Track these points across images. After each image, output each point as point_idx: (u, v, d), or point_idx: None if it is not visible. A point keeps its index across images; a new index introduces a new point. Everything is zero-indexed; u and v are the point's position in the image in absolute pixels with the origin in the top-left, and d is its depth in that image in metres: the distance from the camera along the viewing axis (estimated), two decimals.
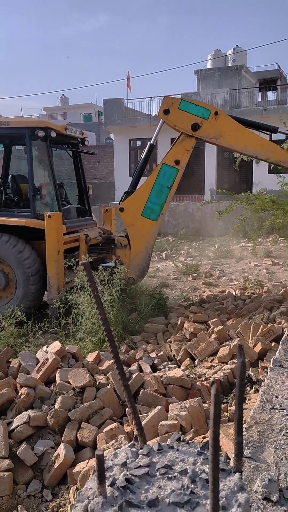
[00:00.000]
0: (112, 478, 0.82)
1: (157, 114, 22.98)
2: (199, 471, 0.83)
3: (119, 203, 6.54)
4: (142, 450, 0.91)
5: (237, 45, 26.26)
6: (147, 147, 6.58)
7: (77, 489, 2.83)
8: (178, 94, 21.48)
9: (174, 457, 0.88)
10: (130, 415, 1.06)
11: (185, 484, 0.80)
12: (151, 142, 6.45)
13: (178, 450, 0.91)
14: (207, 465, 0.85)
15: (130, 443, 0.96)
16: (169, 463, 0.86)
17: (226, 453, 2.00)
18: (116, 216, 9.94)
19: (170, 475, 0.83)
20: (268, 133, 6.23)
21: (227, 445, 2.10)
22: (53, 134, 6.64)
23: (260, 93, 27.70)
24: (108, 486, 0.79)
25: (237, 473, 0.81)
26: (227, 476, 0.82)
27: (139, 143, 23.63)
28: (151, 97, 22.93)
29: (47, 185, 7.05)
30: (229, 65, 24.99)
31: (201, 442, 2.37)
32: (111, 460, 0.88)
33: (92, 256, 6.81)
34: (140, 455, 0.89)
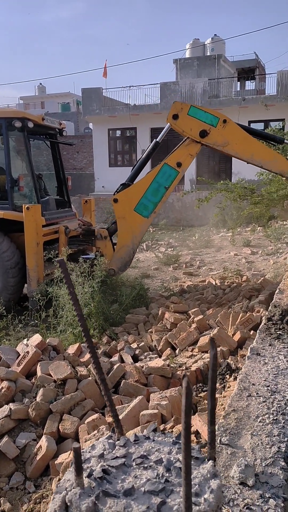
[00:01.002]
0: (89, 470, 0.84)
1: (135, 103, 22.62)
2: (174, 460, 0.86)
3: (114, 194, 6.49)
4: (119, 442, 0.93)
5: (215, 34, 26.20)
6: (152, 144, 6.52)
7: (59, 480, 2.86)
8: (157, 84, 21.40)
9: (150, 447, 0.91)
10: (107, 407, 1.09)
11: (160, 473, 0.83)
12: (157, 140, 6.40)
13: (154, 440, 0.93)
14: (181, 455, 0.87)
15: (108, 434, 0.98)
16: (145, 453, 0.88)
17: (206, 440, 2.05)
18: (96, 207, 9.90)
19: (145, 465, 0.85)
20: (274, 143, 6.29)
21: (205, 432, 2.15)
22: (31, 125, 6.55)
23: (239, 82, 27.76)
24: (85, 477, 0.81)
25: (210, 461, 0.85)
26: (200, 464, 0.85)
27: (118, 132, 23.46)
28: (130, 87, 22.71)
29: (25, 176, 6.96)
30: (208, 54, 24.93)
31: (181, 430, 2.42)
32: (89, 452, 0.91)
33: (72, 248, 6.78)
34: (117, 446, 0.92)
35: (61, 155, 8.28)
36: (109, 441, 0.93)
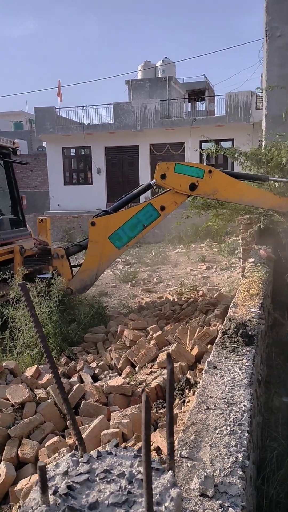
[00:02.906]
0: (54, 487, 0.86)
1: (89, 123, 22.78)
2: (136, 473, 0.90)
3: (93, 217, 6.51)
4: (82, 458, 0.96)
5: (165, 57, 27.01)
6: (145, 184, 6.61)
7: (19, 507, 2.78)
8: (110, 104, 21.70)
9: (113, 462, 0.94)
10: (70, 426, 1.11)
11: (122, 485, 0.86)
12: (151, 183, 6.49)
13: (116, 455, 0.97)
14: None
15: (71, 452, 1.00)
16: (108, 468, 0.92)
17: (159, 459, 2.08)
18: (51, 226, 9.82)
19: (109, 479, 0.89)
20: (260, 182, 6.53)
21: (165, 448, 2.18)
22: None
23: (190, 103, 28.67)
24: (50, 494, 0.84)
25: (170, 471, 0.89)
26: (161, 475, 0.89)
27: (73, 151, 23.51)
28: (83, 106, 22.90)
29: None
30: (159, 76, 25.65)
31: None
32: (53, 470, 0.93)
33: (28, 268, 6.68)
34: (80, 463, 0.94)
35: (15, 174, 8.19)
36: (72, 458, 0.96)
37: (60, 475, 0.90)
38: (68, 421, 1.02)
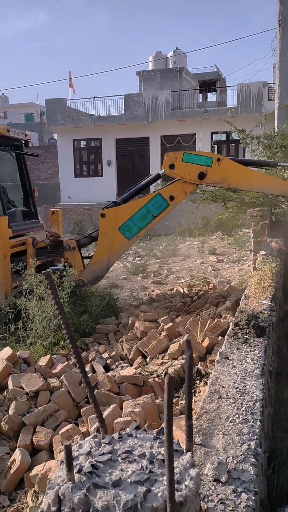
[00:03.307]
0: (78, 466, 0.90)
1: (100, 114, 22.70)
2: (156, 453, 0.93)
3: (103, 209, 6.54)
4: (104, 440, 1.00)
5: (177, 48, 26.79)
6: (154, 175, 6.62)
7: (35, 492, 2.86)
8: (121, 95, 21.62)
9: (133, 443, 0.98)
10: (93, 409, 1.15)
11: (144, 465, 0.90)
12: (159, 173, 6.50)
13: (136, 437, 1.01)
14: (163, 448, 0.95)
15: (93, 434, 1.04)
16: (129, 449, 0.96)
17: (178, 441, 2.12)
18: (63, 218, 9.88)
19: (130, 459, 0.93)
20: (269, 168, 6.50)
21: (180, 436, 2.23)
22: None
23: (201, 94, 28.45)
24: (75, 473, 0.88)
25: (188, 453, 0.93)
26: (180, 456, 0.93)
27: (83, 143, 23.51)
28: (94, 98, 22.84)
29: None
30: (170, 67, 25.46)
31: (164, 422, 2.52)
32: (77, 450, 0.97)
33: (40, 259, 6.76)
34: (102, 444, 0.98)
35: (27, 166, 8.25)
36: (95, 440, 1.00)
37: (83, 455, 0.94)
38: (91, 404, 1.06)
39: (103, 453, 0.94)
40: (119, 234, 6.38)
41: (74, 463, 0.91)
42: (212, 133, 20.32)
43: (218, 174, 6.02)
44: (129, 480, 0.85)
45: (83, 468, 0.89)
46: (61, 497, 0.84)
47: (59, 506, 0.83)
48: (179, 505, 0.80)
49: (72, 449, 0.95)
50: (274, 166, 6.46)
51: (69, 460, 0.84)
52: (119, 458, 0.92)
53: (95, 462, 0.90)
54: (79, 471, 0.88)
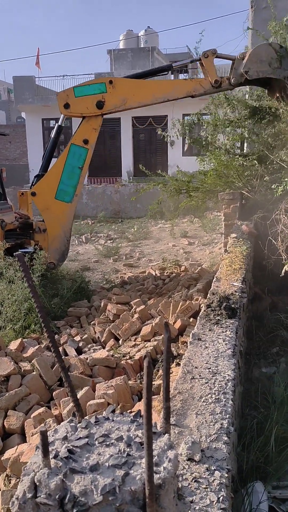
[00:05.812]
0: (54, 451, 0.88)
1: None
2: (133, 436, 0.93)
3: (30, 187, 6.36)
4: (80, 424, 0.98)
5: (148, 27, 26.31)
6: (55, 129, 6.42)
7: (7, 475, 2.84)
8: (91, 74, 21.13)
9: (110, 427, 0.97)
10: (68, 393, 1.13)
11: (121, 448, 0.89)
12: (59, 124, 6.30)
13: (113, 420, 1.00)
14: (140, 431, 0.94)
15: (69, 419, 1.02)
16: (106, 432, 0.94)
17: (155, 423, 2.14)
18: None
19: (107, 443, 0.91)
20: (166, 73, 6.32)
21: (155, 417, 2.24)
22: None
23: (172, 75, 28.14)
24: (51, 458, 0.86)
25: (166, 434, 0.92)
26: (157, 438, 0.92)
27: (52, 123, 22.91)
28: (64, 76, 22.26)
29: None
30: (141, 46, 25.02)
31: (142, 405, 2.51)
32: (52, 435, 0.95)
33: (9, 242, 6.61)
34: (79, 428, 0.97)
35: None
36: (71, 424, 0.98)
37: (59, 440, 0.92)
38: (67, 389, 1.04)
39: (80, 438, 0.92)
40: (59, 202, 6.23)
41: (50, 449, 0.88)
42: (184, 115, 20.20)
43: (116, 97, 5.81)
44: (106, 464, 0.84)
45: (59, 454, 0.87)
46: (37, 483, 0.82)
47: (35, 493, 0.81)
48: (158, 487, 0.79)
49: (48, 434, 0.93)
50: (169, 70, 6.38)
51: (45, 445, 0.82)
52: (96, 442, 0.91)
53: (71, 447, 0.89)
54: (55, 457, 0.86)
